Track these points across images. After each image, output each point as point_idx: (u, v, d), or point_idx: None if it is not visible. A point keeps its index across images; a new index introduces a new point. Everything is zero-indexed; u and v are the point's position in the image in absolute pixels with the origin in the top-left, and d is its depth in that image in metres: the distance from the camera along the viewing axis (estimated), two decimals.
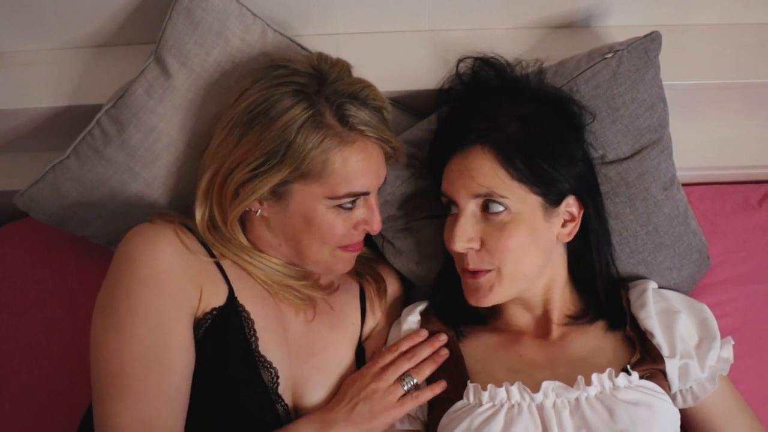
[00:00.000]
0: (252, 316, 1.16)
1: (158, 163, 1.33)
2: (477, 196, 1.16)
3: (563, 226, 1.21)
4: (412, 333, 1.26)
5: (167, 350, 1.07)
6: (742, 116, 1.57)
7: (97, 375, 1.07)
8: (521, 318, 1.26)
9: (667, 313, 1.23)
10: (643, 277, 1.34)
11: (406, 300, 1.43)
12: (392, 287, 1.40)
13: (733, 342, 1.25)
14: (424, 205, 1.36)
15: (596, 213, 1.25)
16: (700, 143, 1.56)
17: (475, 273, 1.19)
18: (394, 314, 1.38)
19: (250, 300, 1.18)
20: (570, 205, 1.21)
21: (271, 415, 1.15)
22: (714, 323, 1.25)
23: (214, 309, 1.14)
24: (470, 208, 1.17)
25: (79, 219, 1.37)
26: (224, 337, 1.13)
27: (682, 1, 1.44)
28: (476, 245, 1.17)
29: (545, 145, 1.17)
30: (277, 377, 1.16)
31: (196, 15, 1.28)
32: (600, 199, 1.27)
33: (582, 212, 1.22)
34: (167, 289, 1.09)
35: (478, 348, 1.25)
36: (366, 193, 1.18)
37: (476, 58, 1.30)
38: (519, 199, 1.16)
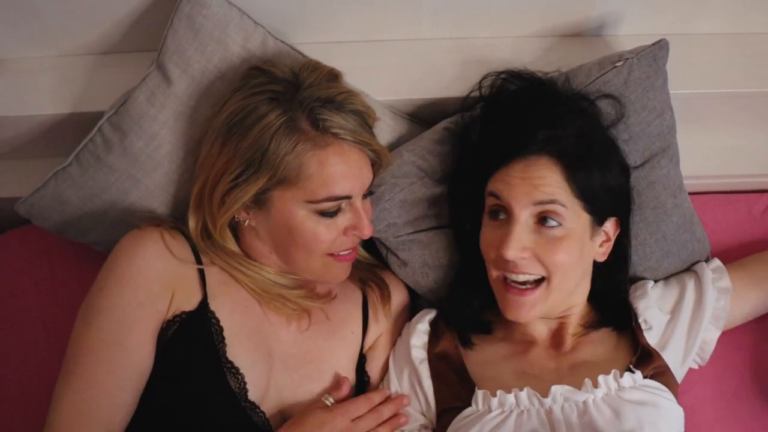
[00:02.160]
0: (222, 323, 1.18)
1: (160, 170, 1.33)
2: (539, 203, 1.14)
3: (600, 245, 1.21)
4: (378, 390, 1.25)
5: (120, 347, 1.11)
6: (746, 125, 1.57)
7: (64, 359, 1.13)
8: (536, 329, 1.26)
9: (664, 297, 1.26)
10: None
11: (411, 307, 1.43)
12: (397, 294, 1.39)
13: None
14: (430, 216, 1.36)
15: (627, 231, 1.25)
16: (704, 152, 1.55)
17: (523, 290, 1.17)
18: (399, 322, 1.37)
19: (227, 307, 1.20)
20: (609, 225, 1.21)
21: (242, 421, 1.16)
22: (701, 263, 1.30)
23: (183, 312, 1.16)
24: (525, 216, 1.15)
25: (81, 226, 1.37)
26: (192, 341, 1.15)
27: (688, 10, 1.44)
28: (527, 255, 1.15)
29: (602, 163, 1.17)
30: (245, 383, 1.17)
31: (197, 22, 1.28)
32: (630, 216, 1.28)
33: (618, 232, 1.23)
34: (137, 289, 1.14)
35: (488, 356, 1.26)
36: (347, 197, 1.18)
37: (513, 71, 1.28)
38: (575, 215, 1.15)
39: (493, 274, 1.21)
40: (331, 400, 1.18)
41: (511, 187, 1.15)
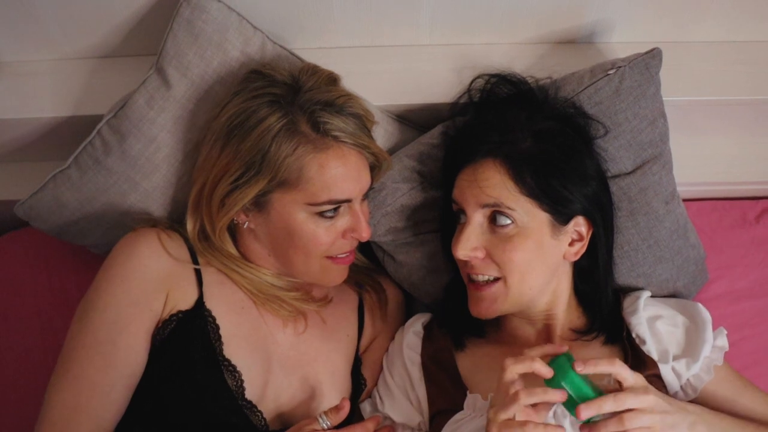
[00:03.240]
0: (218, 321, 1.19)
1: (158, 173, 1.33)
2: (485, 206, 1.16)
3: (570, 245, 1.21)
4: (373, 418, 1.22)
5: (113, 346, 1.12)
6: (740, 132, 1.58)
7: (59, 356, 1.15)
8: (524, 331, 1.27)
9: (657, 318, 1.25)
10: (640, 288, 1.35)
11: (407, 310, 1.43)
12: (393, 298, 1.40)
13: (725, 331, 1.26)
14: (428, 219, 1.36)
15: (606, 234, 1.24)
16: (699, 159, 1.56)
17: (481, 286, 1.19)
18: (395, 325, 1.38)
19: (224, 307, 1.20)
20: (579, 224, 1.21)
21: (239, 420, 1.16)
22: (706, 316, 1.26)
23: (180, 311, 1.17)
24: (477, 218, 1.18)
25: (79, 229, 1.38)
26: (188, 339, 1.16)
27: (682, 18, 1.45)
28: (480, 254, 1.17)
29: (558, 163, 1.17)
30: (242, 381, 1.17)
31: (197, 26, 1.29)
32: (611, 218, 1.27)
33: (591, 233, 1.22)
34: (132, 289, 1.15)
35: (480, 359, 1.26)
36: (347, 200, 1.19)
37: (492, 74, 1.30)
38: (526, 213, 1.16)
39: (462, 274, 1.24)
40: (329, 423, 1.14)
41: (461, 191, 1.19)
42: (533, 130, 1.19)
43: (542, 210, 1.17)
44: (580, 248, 1.22)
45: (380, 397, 1.29)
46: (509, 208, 1.15)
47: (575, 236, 1.21)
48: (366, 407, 1.30)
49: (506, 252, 1.16)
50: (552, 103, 1.27)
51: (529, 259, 1.17)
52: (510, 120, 1.20)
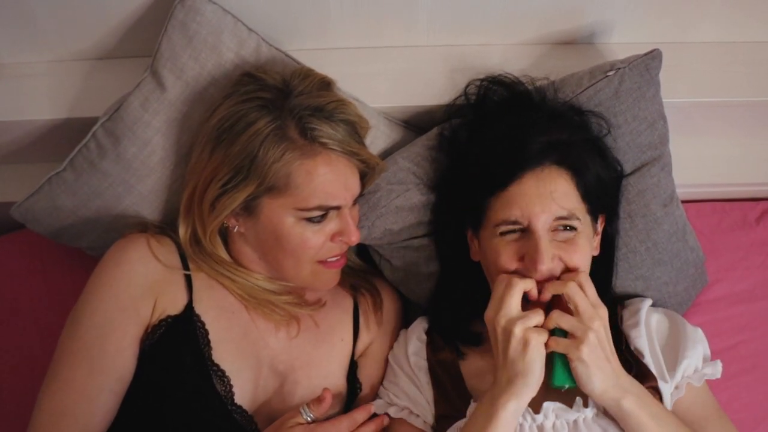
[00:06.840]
0: (207, 327, 1.19)
1: (153, 176, 1.33)
2: (558, 218, 1.13)
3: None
4: (362, 407, 1.23)
5: (100, 351, 1.13)
6: (740, 134, 1.57)
7: (51, 361, 1.16)
8: None
9: (656, 332, 1.24)
10: (640, 295, 1.34)
11: (404, 314, 1.42)
12: (389, 301, 1.39)
13: (721, 363, 1.22)
14: (424, 222, 1.35)
15: (616, 227, 1.27)
16: (698, 160, 1.56)
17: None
18: (392, 329, 1.37)
19: (213, 312, 1.21)
20: (600, 221, 1.23)
21: (229, 425, 1.16)
22: (698, 338, 1.23)
23: (169, 316, 1.17)
24: (545, 228, 1.13)
25: (75, 231, 1.38)
26: (177, 344, 1.17)
27: (681, 20, 1.44)
28: (556, 263, 1.14)
29: (600, 167, 1.19)
30: (231, 386, 1.17)
31: (191, 28, 1.29)
32: (618, 212, 1.29)
33: (603, 226, 1.23)
34: (119, 295, 1.16)
35: (482, 367, 1.25)
36: (336, 207, 1.19)
37: (487, 78, 1.29)
38: (583, 220, 1.16)
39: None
40: (312, 415, 1.14)
41: (528, 205, 1.13)
42: (570, 130, 1.19)
43: (588, 213, 1.17)
44: (598, 243, 1.23)
45: (395, 396, 1.26)
46: (578, 218, 1.14)
47: (595, 232, 1.23)
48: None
49: (573, 254, 1.13)
50: (568, 104, 1.27)
51: (586, 260, 1.16)
52: (551, 121, 1.19)
